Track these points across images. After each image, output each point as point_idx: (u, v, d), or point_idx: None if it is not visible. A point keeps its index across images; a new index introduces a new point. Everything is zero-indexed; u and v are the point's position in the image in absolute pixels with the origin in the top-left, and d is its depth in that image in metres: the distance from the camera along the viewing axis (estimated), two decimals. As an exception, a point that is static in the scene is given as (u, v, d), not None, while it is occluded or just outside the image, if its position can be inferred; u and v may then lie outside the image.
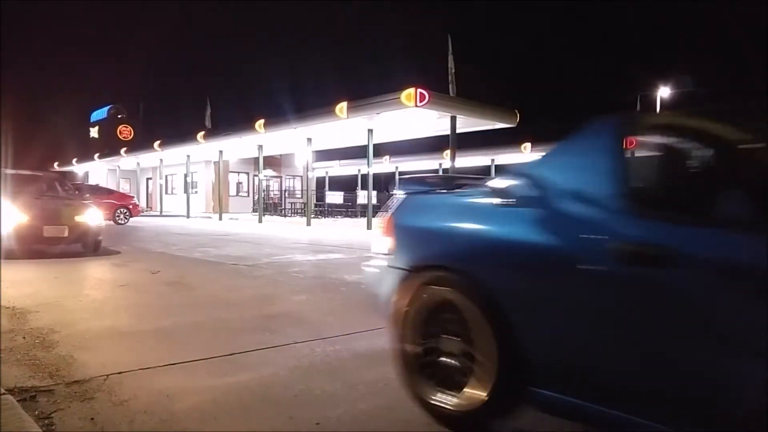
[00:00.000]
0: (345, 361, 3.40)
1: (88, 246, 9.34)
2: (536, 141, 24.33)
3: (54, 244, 9.02)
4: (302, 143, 22.23)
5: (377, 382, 3.00)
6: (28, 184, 10.09)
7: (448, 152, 18.97)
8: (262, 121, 20.52)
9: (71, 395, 2.69)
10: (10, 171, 10.84)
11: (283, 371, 3.17)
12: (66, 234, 8.78)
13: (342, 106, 16.85)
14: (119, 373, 3.03)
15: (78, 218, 9.02)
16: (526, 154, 25.19)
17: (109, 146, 36.36)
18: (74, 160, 37.53)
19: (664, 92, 28.65)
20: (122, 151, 31.95)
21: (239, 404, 2.66)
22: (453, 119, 16.25)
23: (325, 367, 3.27)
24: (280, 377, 3.07)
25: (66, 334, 3.89)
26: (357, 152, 29.14)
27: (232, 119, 26.26)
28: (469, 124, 17.64)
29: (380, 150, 28.74)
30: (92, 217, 9.28)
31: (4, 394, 2.47)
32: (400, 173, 34.69)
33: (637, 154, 2.85)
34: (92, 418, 2.42)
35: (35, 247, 8.74)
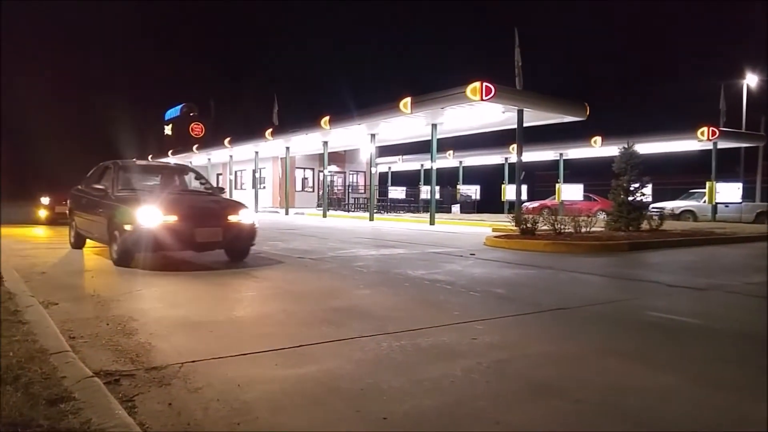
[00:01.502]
0: (410, 356, 3.39)
1: (238, 253, 7.85)
2: (607, 135, 23.44)
3: (206, 250, 7.56)
4: (366, 139, 22.41)
5: (443, 378, 2.97)
6: (162, 176, 9.19)
7: (514, 146, 18.58)
8: (327, 118, 20.82)
9: (150, 380, 2.82)
10: (141, 162, 10.12)
11: (349, 364, 3.20)
12: (220, 238, 7.19)
13: (406, 102, 16.83)
14: (193, 361, 3.15)
15: (232, 218, 7.42)
16: (597, 148, 24.32)
17: (181, 143, 37.99)
18: (149, 157, 39.43)
19: (751, 80, 26.78)
20: (194, 147, 33.30)
21: (307, 395, 2.71)
22: (519, 113, 15.87)
23: (391, 362, 3.27)
24: (347, 370, 3.10)
25: (143, 322, 4.09)
26: (420, 147, 29.06)
27: (299, 116, 26.79)
28: (536, 117, 17.18)
29: (443, 145, 28.53)
30: (248, 216, 7.60)
31: (91, 376, 2.61)
32: (464, 168, 34.37)
33: None
34: (170, 404, 2.53)
35: (172, 255, 7.70)
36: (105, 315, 4.33)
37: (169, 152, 35.96)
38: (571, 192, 24.83)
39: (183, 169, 10.22)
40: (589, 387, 2.89)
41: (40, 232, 13.81)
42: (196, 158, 35.08)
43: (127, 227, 6.78)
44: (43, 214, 16.44)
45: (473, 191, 33.98)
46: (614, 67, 69.36)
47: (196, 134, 42.81)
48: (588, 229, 11.29)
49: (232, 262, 7.72)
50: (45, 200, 16.67)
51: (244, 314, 4.57)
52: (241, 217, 7.47)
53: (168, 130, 46.25)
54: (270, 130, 25.20)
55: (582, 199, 24.36)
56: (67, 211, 9.61)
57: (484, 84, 14.29)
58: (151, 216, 6.71)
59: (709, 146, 21.75)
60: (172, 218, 6.80)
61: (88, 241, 9.11)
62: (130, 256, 6.94)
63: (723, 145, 22.19)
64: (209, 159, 34.50)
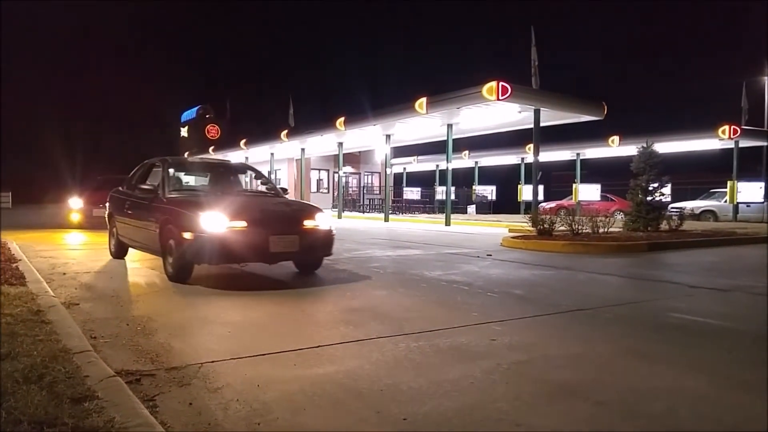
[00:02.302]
0: (429, 357, 3.38)
1: (311, 264, 6.85)
2: (625, 134, 23.19)
3: (279, 261, 6.50)
4: (381, 140, 22.41)
5: (463, 379, 2.96)
6: (217, 175, 8.07)
7: (530, 146, 18.45)
8: (342, 119, 20.86)
9: (170, 380, 2.84)
10: (193, 158, 8.92)
11: (367, 365, 3.20)
12: (297, 248, 6.06)
13: (421, 102, 16.80)
14: (212, 361, 3.17)
15: (308, 223, 6.32)
16: (615, 147, 24.07)
17: (198, 145, 38.28)
18: (210, 149, 39.55)
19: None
20: (210, 149, 33.56)
21: (327, 396, 2.70)
22: (536, 112, 15.77)
23: (409, 362, 3.26)
24: (366, 371, 3.09)
25: (162, 323, 4.12)
26: (435, 148, 29.01)
27: (314, 117, 26.90)
28: (552, 117, 17.05)
29: (459, 145, 28.45)
30: (325, 221, 6.49)
31: (113, 376, 2.64)
32: (480, 168, 34.23)
33: None
34: (190, 403, 2.54)
35: (232, 268, 6.99)
36: (174, 360, 3.19)
37: (185, 154, 36.22)
38: (588, 192, 24.62)
39: (241, 167, 9.19)
40: (611, 389, 2.85)
41: (72, 238, 12.22)
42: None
43: (187, 235, 5.72)
44: (75, 217, 14.75)
45: (489, 192, 33.83)
46: (633, 65, 68.62)
47: (212, 136, 43.10)
48: (606, 230, 11.17)
49: (303, 274, 6.78)
50: (76, 202, 14.91)
51: (261, 314, 4.59)
52: (318, 223, 6.39)
53: (184, 132, 46.65)
54: (285, 132, 25.32)
55: (599, 199, 24.14)
56: (106, 216, 8.54)
57: (501, 83, 14.21)
58: (216, 222, 5.65)
59: (731, 145, 21.41)
60: (241, 224, 5.74)
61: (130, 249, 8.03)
62: (189, 270, 6.01)
63: (745, 143, 21.83)
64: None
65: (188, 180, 8.11)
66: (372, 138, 23.40)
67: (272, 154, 29.36)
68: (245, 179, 8.84)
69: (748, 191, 21.00)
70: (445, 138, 18.57)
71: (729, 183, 20.91)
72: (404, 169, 38.94)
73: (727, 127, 20.29)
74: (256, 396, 2.66)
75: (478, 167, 34.10)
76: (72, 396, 2.36)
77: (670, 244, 10.60)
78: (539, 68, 16.28)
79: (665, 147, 19.98)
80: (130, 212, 7.47)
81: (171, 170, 7.26)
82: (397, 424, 2.40)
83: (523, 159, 29.89)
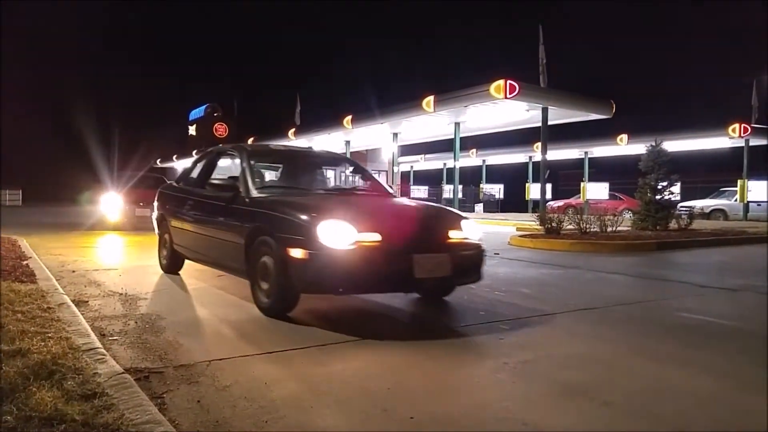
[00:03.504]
0: (436, 358, 3.38)
1: (443, 289, 4.93)
2: (633, 132, 23.05)
3: (426, 290, 4.81)
4: (388, 138, 22.40)
5: (469, 378, 2.96)
6: (307, 168, 6.19)
7: (538, 145, 18.38)
8: (349, 117, 20.88)
9: (179, 378, 2.86)
10: (276, 145, 7.11)
11: (375, 364, 3.20)
12: (449, 271, 4.21)
13: (429, 100, 16.78)
14: (220, 359, 3.19)
15: (454, 235, 4.52)
16: (623, 146, 23.94)
17: (205, 143, 38.42)
18: (174, 157, 39.94)
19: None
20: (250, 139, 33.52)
21: (334, 394, 2.71)
22: (544, 111, 15.71)
23: (416, 361, 3.27)
24: (373, 369, 3.10)
25: (171, 321, 4.14)
26: (442, 146, 28.95)
27: (321, 116, 26.92)
28: (560, 115, 17.00)
29: (466, 143, 28.38)
30: (473, 231, 4.68)
31: (122, 373, 2.66)
32: (488, 167, 34.15)
33: None
34: (198, 401, 2.56)
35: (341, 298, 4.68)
36: (182, 358, 3.12)
37: (193, 153, 36.39)
38: (596, 191, 24.52)
39: (334, 158, 7.36)
40: (619, 389, 2.84)
41: (106, 242, 10.59)
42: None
43: (297, 253, 3.98)
44: (112, 217, 12.95)
45: (497, 190, 33.76)
46: (641, 63, 68.25)
47: (219, 134, 43.29)
48: (614, 229, 11.12)
49: (428, 301, 5.05)
50: (112, 201, 13.11)
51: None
52: (467, 234, 4.59)
53: (192, 130, 46.86)
54: (292, 130, 25.36)
55: (607, 197, 24.03)
56: (154, 219, 6.88)
57: (508, 82, 14.17)
58: (341, 234, 3.94)
59: (741, 143, 21.22)
60: (374, 238, 3.99)
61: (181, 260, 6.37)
62: (293, 302, 4.26)
63: (755, 142, 21.64)
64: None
65: (281, 174, 6.15)
66: (379, 136, 23.39)
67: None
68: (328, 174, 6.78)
69: (759, 190, 20.82)
70: (453, 136, 18.54)
71: (739, 182, 20.74)
72: (411, 167, 38.89)
73: (737, 126, 20.11)
74: (264, 394, 2.67)
75: (486, 166, 34.02)
76: (81, 393, 2.38)
77: (679, 243, 10.53)
78: (547, 66, 16.22)
79: (674, 145, 19.78)
80: (192, 215, 5.80)
81: (252, 161, 5.46)
82: (404, 422, 2.40)
83: (530, 157, 29.78)
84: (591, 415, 2.51)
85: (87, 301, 4.73)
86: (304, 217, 4.18)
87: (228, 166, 6.05)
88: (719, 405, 2.67)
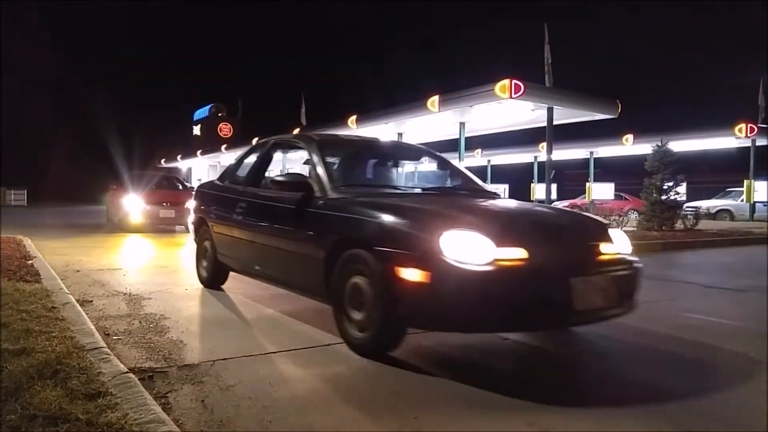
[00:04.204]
0: (439, 355, 3.37)
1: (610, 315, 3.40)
2: (639, 132, 22.96)
3: (587, 323, 3.68)
4: (393, 138, 22.40)
5: (473, 377, 2.94)
6: (379, 160, 5.11)
7: (543, 145, 18.34)
8: (354, 117, 20.88)
9: (183, 378, 2.86)
10: (348, 136, 6.29)
11: (378, 364, 3.19)
12: (613, 300, 3.27)
13: (434, 100, 16.75)
14: (224, 359, 3.18)
15: (608, 250, 3.48)
16: (629, 146, 23.86)
17: (210, 143, 38.51)
18: (179, 157, 40.03)
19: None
20: (222, 147, 33.69)
21: (338, 394, 2.71)
22: (549, 110, 15.66)
23: (421, 360, 3.26)
24: (379, 370, 3.09)
25: (176, 320, 4.14)
26: (447, 146, 28.89)
27: (326, 115, 26.97)
28: (566, 115, 16.94)
29: (471, 143, 28.33)
30: (625, 243, 3.75)
31: (126, 372, 2.66)
32: (493, 167, 34.09)
33: None
34: (202, 401, 2.55)
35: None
36: (186, 358, 3.09)
37: (198, 152, 36.52)
38: (601, 191, 24.45)
39: (419, 151, 6.44)
40: (626, 390, 2.82)
41: (132, 245, 10.07)
42: (225, 158, 35.51)
43: (411, 274, 3.00)
44: (136, 219, 12.32)
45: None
46: (646, 63, 68.04)
47: (224, 134, 43.37)
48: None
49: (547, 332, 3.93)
50: (135, 202, 12.48)
51: (274, 312, 4.59)
52: (618, 246, 3.61)
53: (197, 130, 46.98)
54: (297, 130, 25.38)
55: (613, 198, 23.96)
56: (190, 224, 6.27)
57: (513, 81, 14.12)
58: (474, 248, 2.96)
59: (747, 143, 21.13)
60: (518, 254, 3.00)
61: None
62: (399, 337, 3.25)
63: (762, 142, 21.54)
64: (237, 159, 34.88)
65: (359, 170, 5.01)
66: (384, 136, 23.40)
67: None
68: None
69: (766, 190, 20.72)
70: (458, 136, 18.51)
71: (745, 182, 20.64)
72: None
73: (743, 126, 20.01)
74: (268, 394, 2.67)
75: (491, 166, 33.95)
76: (85, 392, 2.38)
77: (685, 244, 10.49)
78: (552, 66, 16.18)
79: (680, 145, 19.70)
80: (244, 220, 4.80)
81: (324, 154, 4.37)
82: (408, 422, 2.38)
83: (536, 157, 29.70)
84: (595, 416, 2.49)
85: (91, 301, 4.74)
86: (420, 225, 3.16)
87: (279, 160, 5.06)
88: (724, 405, 2.65)
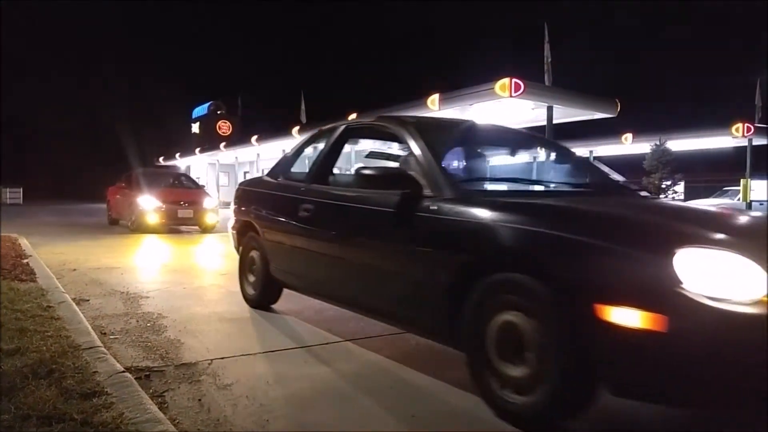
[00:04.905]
0: (439, 354, 3.34)
1: None
2: (638, 131, 22.96)
3: None
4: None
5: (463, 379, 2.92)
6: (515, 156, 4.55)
7: (541, 144, 18.29)
8: (354, 115, 20.83)
9: (180, 377, 2.83)
10: (448, 119, 4.80)
11: (378, 362, 3.17)
12: None
13: (434, 98, 16.73)
14: (222, 358, 3.16)
15: None
16: (627, 145, 23.86)
17: (209, 141, 38.42)
18: (177, 155, 39.92)
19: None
20: (221, 145, 33.63)
21: (336, 392, 2.69)
22: (549, 109, 15.67)
23: (420, 359, 3.23)
24: (376, 368, 3.07)
25: (173, 319, 4.11)
26: (446, 145, 28.88)
27: (327, 113, 26.93)
28: (566, 114, 16.96)
29: (470, 143, 28.27)
30: None
31: (122, 372, 2.63)
32: (492, 167, 34.07)
33: None
34: (199, 400, 2.53)
35: None
36: (183, 357, 3.07)
37: (197, 150, 36.44)
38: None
39: (531, 138, 5.38)
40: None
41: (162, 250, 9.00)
42: (224, 156, 35.47)
43: (628, 316, 1.89)
44: (153, 219, 11.51)
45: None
46: (645, 62, 68.07)
47: (223, 132, 43.28)
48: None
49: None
50: (150, 201, 11.66)
51: (272, 310, 4.58)
52: None
53: (195, 128, 46.88)
54: (297, 128, 25.34)
55: (611, 197, 23.93)
56: (231, 230, 5.00)
57: (513, 80, 14.12)
58: (735, 278, 1.87)
59: (744, 143, 21.15)
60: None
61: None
62: (586, 404, 2.20)
63: (758, 141, 21.58)
64: (236, 157, 34.85)
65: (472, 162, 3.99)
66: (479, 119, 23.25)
67: (284, 150, 29.33)
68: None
69: (762, 189, 20.77)
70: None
71: (742, 181, 20.66)
72: (534, 159, 38.65)
73: (740, 125, 20.03)
74: (266, 392, 2.65)
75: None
76: (81, 391, 2.35)
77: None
78: (552, 65, 16.18)
79: (678, 145, 19.77)
80: (312, 226, 3.70)
81: (429, 138, 3.13)
82: (405, 421, 2.37)
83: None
84: (597, 416, 2.47)
85: (88, 300, 4.71)
86: (635, 238, 2.12)
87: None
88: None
